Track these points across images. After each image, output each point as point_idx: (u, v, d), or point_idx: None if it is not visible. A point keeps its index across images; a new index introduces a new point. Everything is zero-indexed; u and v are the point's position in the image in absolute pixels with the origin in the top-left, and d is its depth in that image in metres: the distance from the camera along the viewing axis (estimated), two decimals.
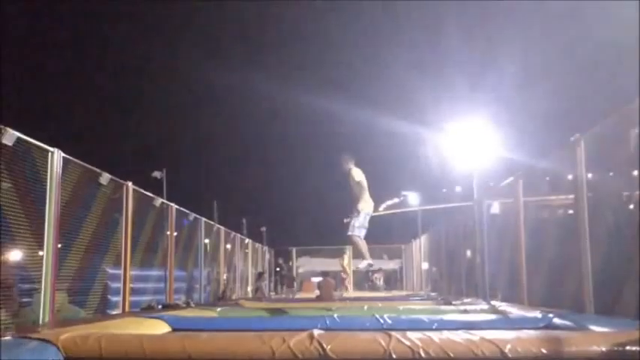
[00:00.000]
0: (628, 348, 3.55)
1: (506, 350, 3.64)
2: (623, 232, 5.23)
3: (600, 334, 4.25)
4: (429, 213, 30.42)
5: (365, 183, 8.01)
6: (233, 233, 16.29)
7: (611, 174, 6.07)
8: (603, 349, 3.59)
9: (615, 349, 3.57)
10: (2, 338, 3.90)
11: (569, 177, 6.46)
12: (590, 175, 6.05)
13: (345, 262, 24.45)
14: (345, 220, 8.16)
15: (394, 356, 3.69)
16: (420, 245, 21.00)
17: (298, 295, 19.93)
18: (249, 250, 18.93)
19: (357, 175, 7.99)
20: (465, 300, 10.20)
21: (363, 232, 7.93)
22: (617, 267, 5.42)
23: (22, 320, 5.47)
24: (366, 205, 8.00)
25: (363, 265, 8.21)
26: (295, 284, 19.38)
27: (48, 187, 5.78)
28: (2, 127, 5.02)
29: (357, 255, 8.45)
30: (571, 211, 6.52)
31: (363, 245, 7.88)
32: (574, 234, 6.11)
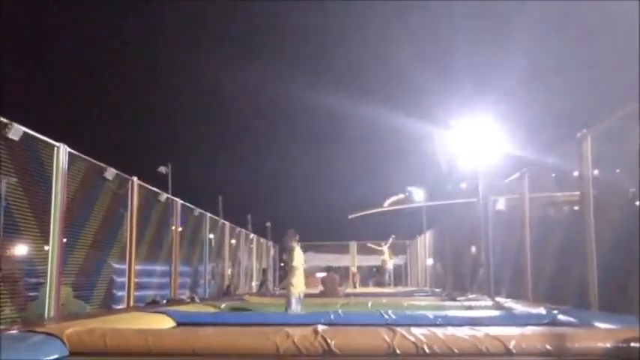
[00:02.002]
0: (632, 345, 3.54)
1: (511, 346, 3.64)
2: (629, 228, 5.21)
3: (604, 330, 4.25)
4: (434, 209, 30.33)
5: (302, 265, 8.50)
6: (238, 228, 16.31)
7: (617, 170, 6.04)
8: (607, 345, 3.58)
9: (619, 345, 3.56)
10: (8, 332, 3.93)
11: (575, 173, 6.44)
12: (596, 172, 6.03)
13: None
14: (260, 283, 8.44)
15: (398, 352, 3.70)
16: (424, 241, 20.97)
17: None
18: (254, 246, 18.95)
19: (298, 256, 8.44)
20: (470, 296, 10.20)
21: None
22: (622, 264, 5.40)
23: (27, 314, 5.50)
24: (298, 285, 8.38)
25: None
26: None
27: (53, 182, 5.80)
28: (8, 122, 5.04)
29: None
30: (577, 208, 6.50)
31: None
32: (579, 230, 6.10)
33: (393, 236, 25.46)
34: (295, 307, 8.16)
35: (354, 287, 22.54)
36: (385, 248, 24.48)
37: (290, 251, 8.43)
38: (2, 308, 5.03)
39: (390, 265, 24.49)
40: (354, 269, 25.45)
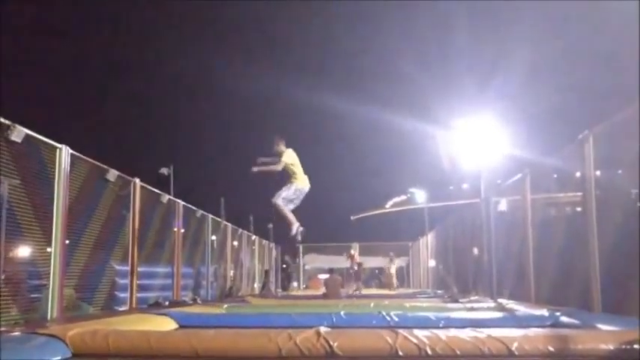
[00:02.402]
0: (634, 347, 3.53)
1: (513, 348, 3.64)
2: (631, 229, 5.20)
3: (607, 332, 4.24)
4: (436, 210, 30.35)
5: (297, 163, 8.02)
6: (240, 230, 16.31)
7: (619, 171, 6.03)
8: (610, 347, 3.58)
9: (622, 347, 3.55)
10: (11, 333, 3.94)
11: (577, 174, 6.43)
12: (598, 173, 6.02)
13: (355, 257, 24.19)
14: (254, 169, 7.92)
15: (401, 353, 3.70)
16: (427, 243, 20.96)
17: (304, 292, 19.89)
18: (256, 247, 18.94)
19: (288, 157, 7.97)
20: (472, 298, 10.18)
21: (288, 205, 7.87)
22: (624, 265, 5.39)
23: (30, 316, 5.50)
24: (299, 181, 7.97)
25: (292, 230, 8.01)
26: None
27: (56, 184, 5.81)
28: (11, 123, 5.05)
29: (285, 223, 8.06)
30: (579, 209, 6.49)
31: (287, 211, 7.74)
32: (582, 232, 6.08)
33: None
34: (292, 194, 7.82)
35: (355, 268, 22.05)
36: (392, 267, 24.44)
37: (279, 156, 7.90)
38: (6, 310, 5.03)
39: (394, 274, 24.56)
40: (352, 251, 24.76)
